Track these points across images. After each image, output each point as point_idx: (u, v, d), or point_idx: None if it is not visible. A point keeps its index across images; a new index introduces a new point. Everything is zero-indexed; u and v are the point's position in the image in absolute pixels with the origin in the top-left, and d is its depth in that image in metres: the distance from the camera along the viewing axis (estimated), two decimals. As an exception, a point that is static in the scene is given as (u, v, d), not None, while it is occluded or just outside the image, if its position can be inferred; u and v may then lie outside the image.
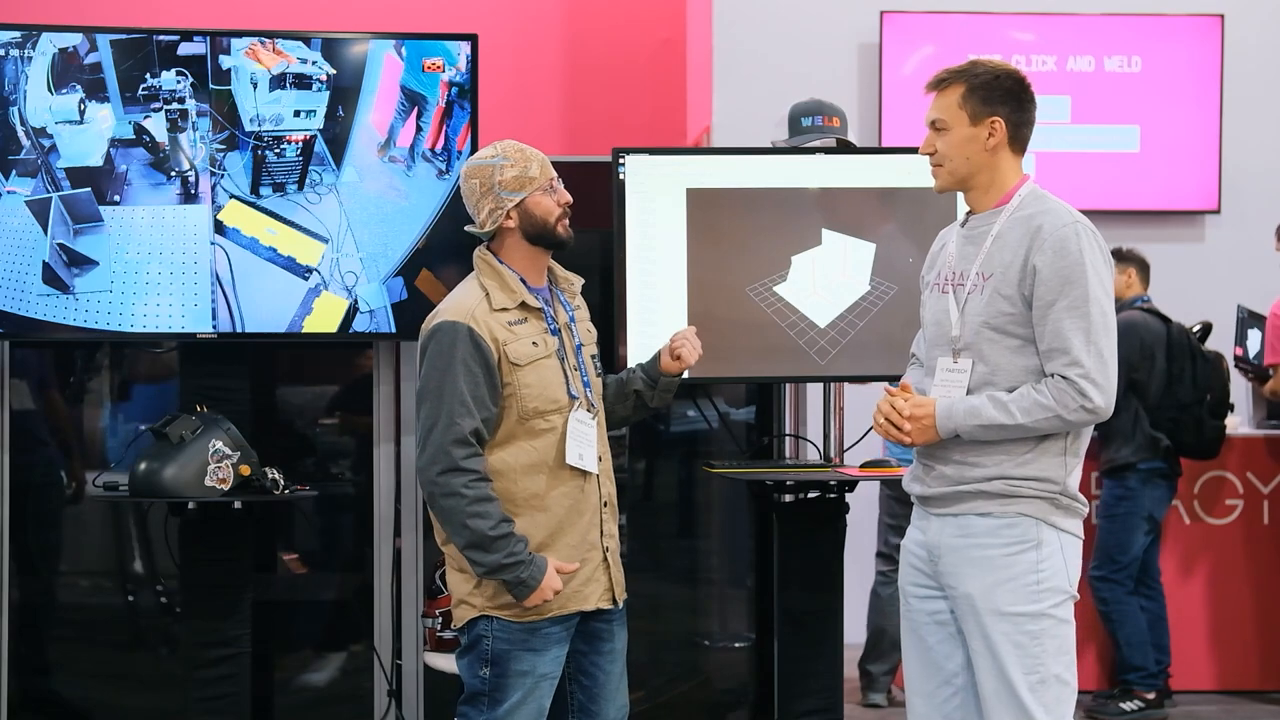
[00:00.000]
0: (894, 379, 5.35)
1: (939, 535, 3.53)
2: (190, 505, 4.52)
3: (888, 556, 6.32)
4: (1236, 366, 6.84)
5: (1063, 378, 3.39)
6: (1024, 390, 3.42)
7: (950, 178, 3.58)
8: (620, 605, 3.86)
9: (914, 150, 4.75)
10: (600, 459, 3.83)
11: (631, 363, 4.64)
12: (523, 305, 3.76)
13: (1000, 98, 3.53)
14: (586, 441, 3.78)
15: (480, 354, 3.67)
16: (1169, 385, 6.32)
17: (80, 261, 4.64)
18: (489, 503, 3.64)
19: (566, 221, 3.81)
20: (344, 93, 4.74)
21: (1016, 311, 3.45)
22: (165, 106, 4.66)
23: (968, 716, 3.54)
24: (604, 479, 3.84)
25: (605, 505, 3.83)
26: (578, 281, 3.95)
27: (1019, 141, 3.56)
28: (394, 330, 4.80)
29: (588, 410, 3.80)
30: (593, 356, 3.91)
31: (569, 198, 3.83)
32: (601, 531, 3.80)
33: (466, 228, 3.86)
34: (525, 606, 3.69)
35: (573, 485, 3.75)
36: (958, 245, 3.60)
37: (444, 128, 4.79)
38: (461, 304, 3.74)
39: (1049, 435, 3.44)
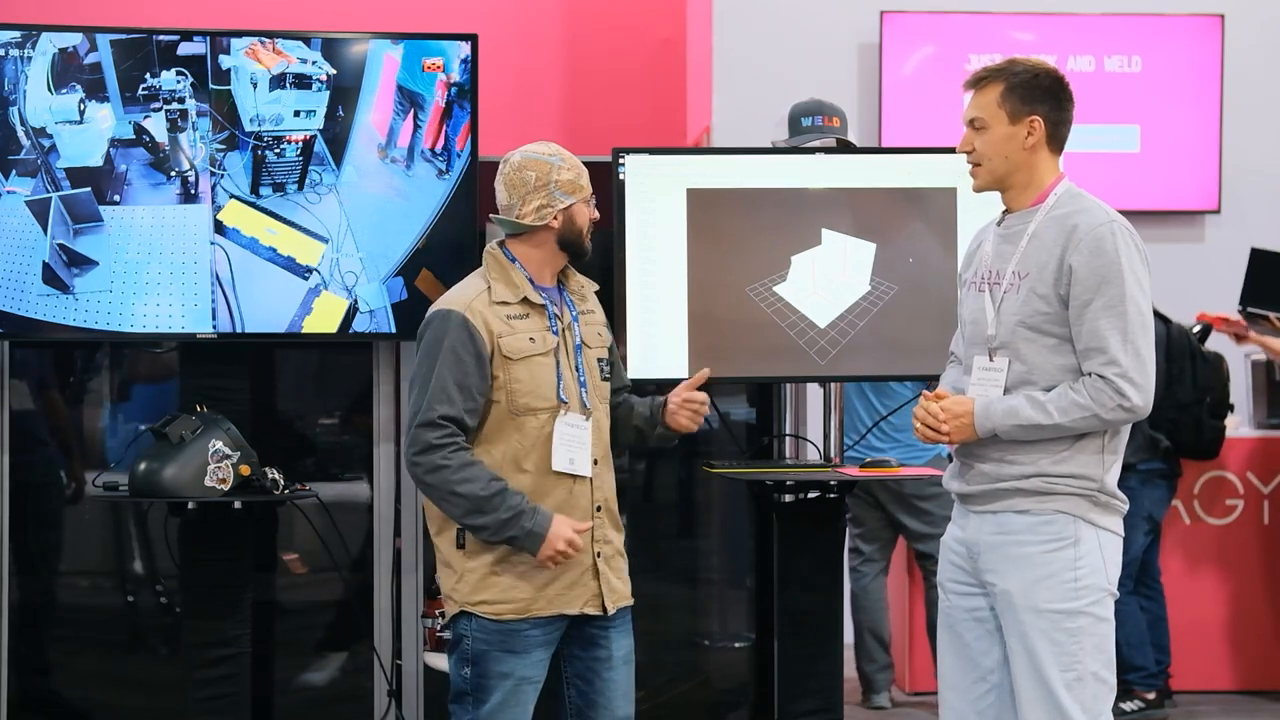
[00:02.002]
0: (894, 379, 5.40)
1: (978, 532, 3.54)
2: (190, 505, 4.52)
3: (854, 550, 6.34)
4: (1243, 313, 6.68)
5: (1100, 377, 3.39)
6: (1061, 389, 3.42)
7: (989, 177, 3.58)
8: (611, 613, 3.80)
9: (914, 150, 4.79)
10: (596, 461, 3.81)
11: (632, 362, 4.64)
12: (525, 301, 3.76)
13: (1039, 96, 3.53)
14: (578, 444, 3.76)
15: (473, 343, 3.67)
16: (1169, 386, 6.31)
17: (80, 261, 4.63)
18: (473, 466, 3.64)
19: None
20: (344, 93, 4.74)
21: (1053, 311, 3.45)
22: (165, 106, 4.66)
23: (1002, 714, 3.55)
24: (599, 482, 3.81)
25: (599, 510, 3.79)
26: (590, 286, 3.96)
27: (1057, 140, 3.56)
28: (394, 330, 4.80)
29: (580, 413, 3.79)
30: (600, 360, 3.88)
31: (598, 215, 3.89)
32: (593, 536, 3.77)
33: (492, 216, 3.87)
34: (501, 601, 3.67)
35: (560, 486, 3.73)
36: (994, 244, 3.60)
37: (444, 128, 4.78)
38: (461, 295, 3.77)
39: (1086, 433, 3.44)
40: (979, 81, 3.57)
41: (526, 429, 3.72)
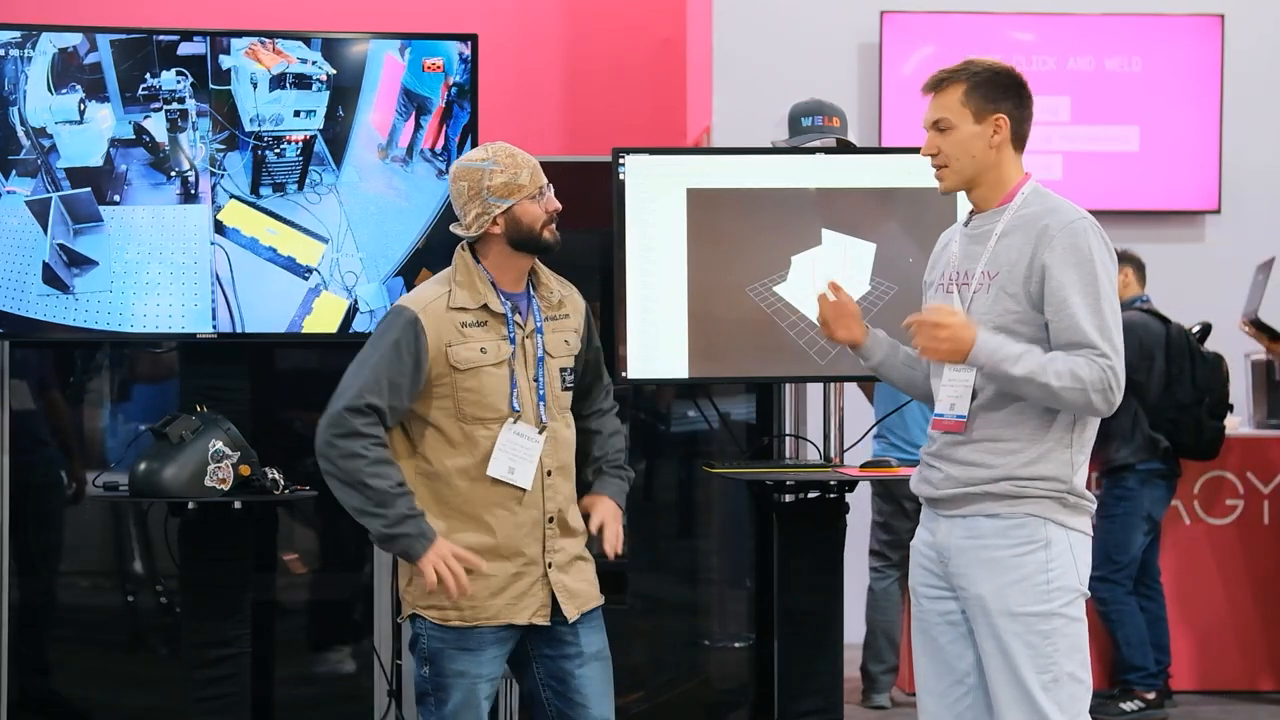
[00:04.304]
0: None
1: (948, 537, 3.52)
2: (190, 505, 4.52)
3: (878, 553, 6.32)
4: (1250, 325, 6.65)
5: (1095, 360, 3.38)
6: (1062, 355, 3.37)
7: (957, 178, 3.55)
8: (573, 619, 3.71)
9: (914, 150, 4.76)
10: (550, 474, 3.72)
11: (632, 362, 4.65)
12: (484, 308, 3.69)
13: (1003, 94, 3.52)
14: (521, 456, 3.68)
15: (415, 345, 3.63)
16: (1168, 386, 6.32)
17: (80, 261, 4.64)
18: (390, 465, 3.61)
19: (553, 226, 3.74)
20: (344, 93, 4.74)
21: (1022, 310, 3.44)
22: (165, 106, 4.66)
23: (979, 716, 3.54)
24: (551, 494, 3.72)
25: (551, 521, 3.71)
26: (565, 289, 3.86)
27: (1020, 139, 3.56)
28: (394, 330, 4.80)
29: (534, 425, 3.70)
30: (563, 370, 3.79)
31: (557, 205, 3.75)
32: (544, 547, 3.71)
33: (452, 227, 3.79)
34: (447, 607, 3.63)
35: (508, 497, 3.68)
36: (961, 245, 3.59)
37: (444, 128, 4.79)
38: (421, 295, 3.72)
39: (1054, 434, 3.43)
40: (939, 83, 3.55)
41: (477, 439, 3.67)
